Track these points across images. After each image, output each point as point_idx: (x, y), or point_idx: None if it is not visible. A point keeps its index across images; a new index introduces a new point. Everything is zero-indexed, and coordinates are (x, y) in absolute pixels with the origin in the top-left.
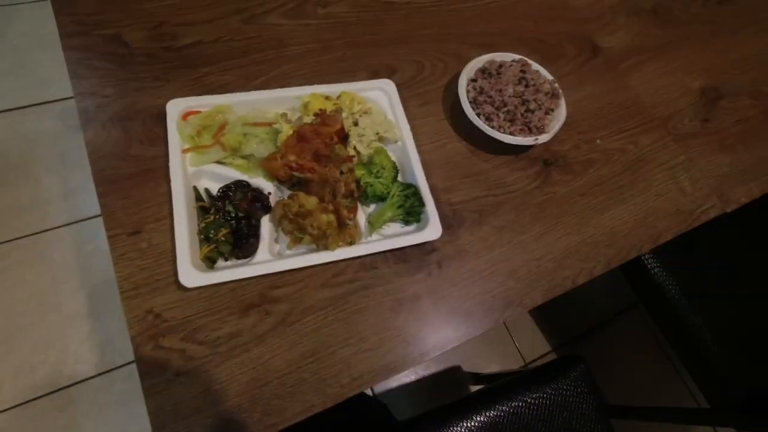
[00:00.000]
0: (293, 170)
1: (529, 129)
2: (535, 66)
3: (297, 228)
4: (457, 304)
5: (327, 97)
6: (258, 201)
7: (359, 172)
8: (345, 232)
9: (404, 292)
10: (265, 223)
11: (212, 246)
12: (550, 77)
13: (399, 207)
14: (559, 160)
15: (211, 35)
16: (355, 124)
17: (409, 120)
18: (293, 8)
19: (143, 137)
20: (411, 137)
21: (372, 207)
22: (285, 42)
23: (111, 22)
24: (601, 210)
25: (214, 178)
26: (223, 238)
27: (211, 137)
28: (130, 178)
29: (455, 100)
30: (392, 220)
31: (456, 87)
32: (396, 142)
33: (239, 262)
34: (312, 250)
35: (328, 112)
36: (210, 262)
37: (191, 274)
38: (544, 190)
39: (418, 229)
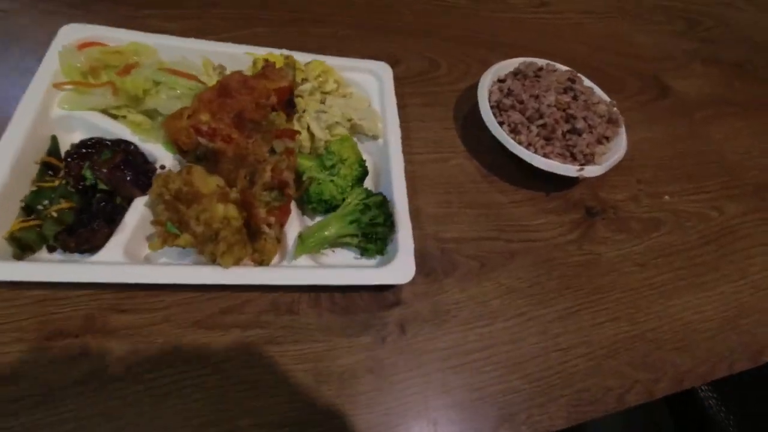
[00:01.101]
0: (201, 134)
1: (572, 155)
2: (588, 82)
3: (174, 217)
4: (419, 401)
5: (288, 62)
6: (130, 168)
7: (305, 163)
8: (256, 243)
9: (335, 361)
10: (137, 209)
11: (31, 222)
12: (606, 98)
13: (353, 222)
14: (608, 210)
15: None
16: (322, 102)
17: (403, 120)
18: None
19: (15, 67)
20: (398, 136)
21: (316, 219)
22: (269, 4)
23: None
24: (669, 293)
25: (92, 132)
26: (55, 214)
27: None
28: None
29: (473, 107)
30: (339, 241)
31: (477, 91)
32: (375, 138)
33: (70, 256)
34: (196, 263)
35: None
36: (19, 248)
37: None
38: (583, 247)
39: (379, 265)
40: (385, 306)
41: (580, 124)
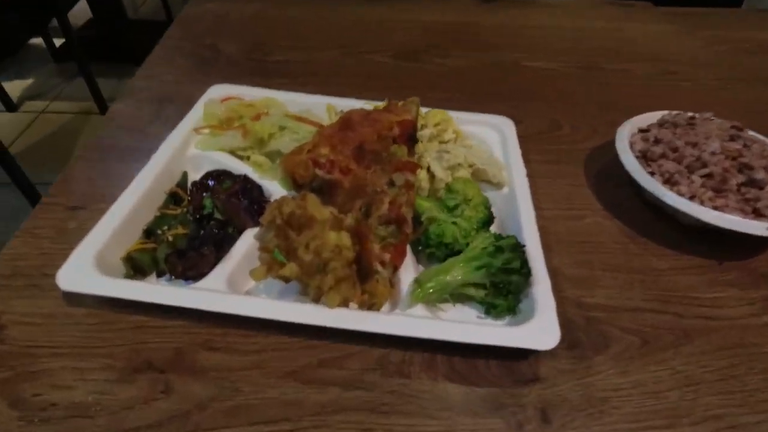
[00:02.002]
0: (318, 166)
1: (755, 211)
2: (754, 134)
3: (282, 245)
4: None
5: (413, 100)
6: (245, 196)
7: (423, 204)
8: (367, 284)
9: None
10: (247, 240)
11: (148, 245)
12: None
13: (481, 268)
14: None
15: (303, 58)
16: (440, 146)
17: (529, 176)
18: (405, 53)
19: (170, 118)
20: (526, 183)
21: (431, 266)
22: (382, 76)
23: (215, 36)
24: None
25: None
26: (170, 238)
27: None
28: (123, 151)
29: (607, 163)
30: (461, 292)
31: (611, 148)
32: (499, 188)
33: (176, 283)
34: (298, 299)
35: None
36: (132, 269)
37: (80, 273)
38: None
39: (512, 324)
40: (519, 381)
41: (760, 175)
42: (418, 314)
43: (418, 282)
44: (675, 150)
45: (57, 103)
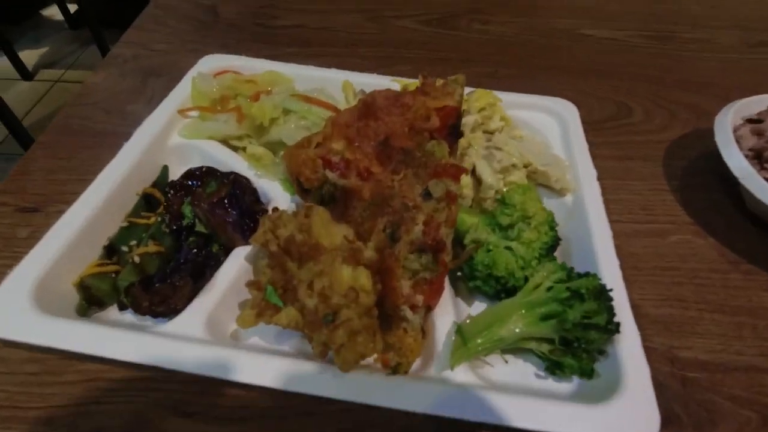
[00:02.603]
0: (329, 167)
1: None
2: None
3: (278, 278)
4: None
5: (457, 79)
6: (235, 206)
7: (467, 219)
8: (391, 334)
9: None
10: (236, 262)
11: (108, 267)
12: None
13: (548, 318)
14: None
15: (318, 23)
16: (487, 140)
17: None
18: (438, 18)
19: (156, 95)
20: (598, 192)
21: (475, 304)
22: (412, 44)
23: None
24: None
25: (207, 163)
26: (137, 259)
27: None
28: (95, 137)
29: (696, 161)
30: (518, 343)
31: (699, 140)
32: (562, 194)
33: (142, 320)
34: (300, 351)
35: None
36: (86, 300)
37: (14, 312)
38: None
39: (579, 392)
40: None
41: None
42: (458, 379)
43: (461, 334)
44: None
45: (72, 72)
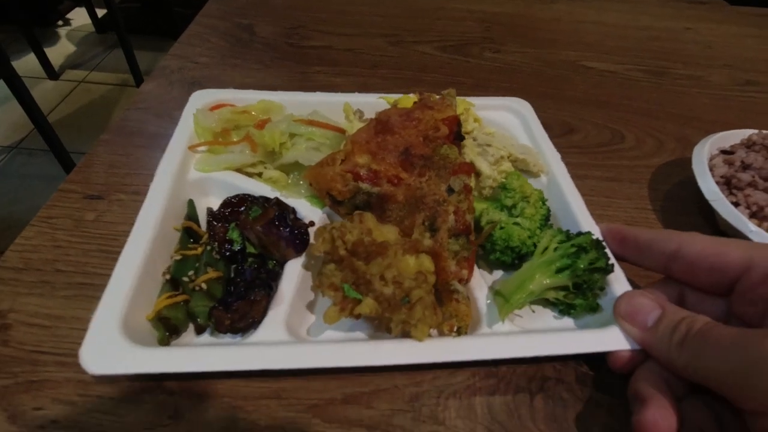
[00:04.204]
0: (360, 179)
1: None
2: None
3: (350, 277)
4: None
5: (449, 93)
6: (285, 224)
7: (478, 206)
8: (447, 306)
9: None
10: (293, 273)
11: (178, 297)
12: None
13: (562, 270)
14: None
15: (344, 45)
16: (474, 139)
17: (582, 193)
18: (454, 45)
19: (156, 135)
20: (564, 169)
21: (494, 273)
22: (429, 68)
23: (253, 16)
24: None
25: (231, 193)
26: (204, 287)
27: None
28: (149, 137)
29: (679, 185)
30: (542, 294)
31: (682, 168)
32: (538, 174)
33: (225, 338)
34: (376, 336)
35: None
36: (164, 330)
37: (108, 348)
38: None
39: (598, 324)
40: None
41: None
42: (504, 330)
43: (501, 295)
44: (767, 179)
45: (96, 74)
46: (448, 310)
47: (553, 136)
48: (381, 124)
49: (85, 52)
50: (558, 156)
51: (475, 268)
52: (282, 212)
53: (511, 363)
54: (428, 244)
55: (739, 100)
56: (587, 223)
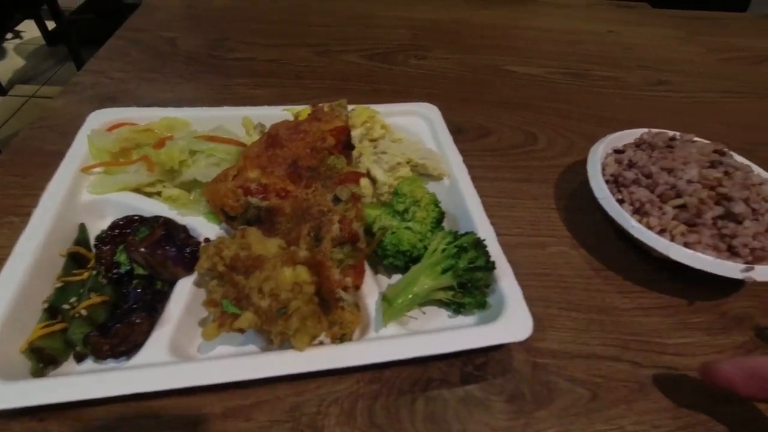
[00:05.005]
0: (250, 194)
1: (730, 249)
2: (742, 159)
3: (231, 292)
4: None
5: (340, 104)
6: (172, 244)
7: (371, 212)
8: (332, 314)
9: None
10: (183, 292)
11: (55, 326)
12: None
13: (446, 271)
14: None
15: (269, 56)
16: (375, 147)
17: (491, 195)
18: (380, 53)
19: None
20: (466, 173)
21: (393, 277)
22: (353, 77)
23: (178, 29)
24: None
25: (126, 214)
26: (84, 312)
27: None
28: (52, 157)
29: (582, 185)
30: (430, 295)
31: (585, 169)
32: (440, 178)
33: (105, 363)
34: (264, 349)
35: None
36: (38, 361)
37: None
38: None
39: (485, 320)
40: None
41: (738, 208)
42: (391, 333)
43: (387, 300)
44: (649, 176)
45: (46, 88)
46: (333, 318)
47: (467, 140)
48: (270, 139)
49: (36, 66)
50: (460, 159)
51: (373, 274)
52: (169, 231)
53: (398, 366)
54: (304, 255)
55: (652, 99)
56: (482, 225)
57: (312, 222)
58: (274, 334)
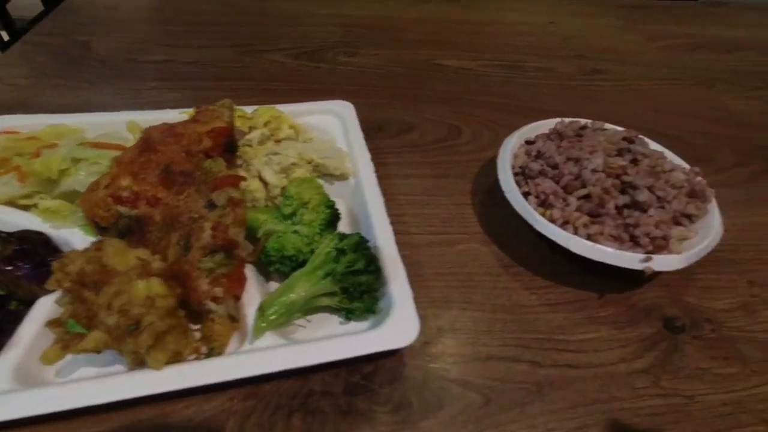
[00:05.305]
0: (120, 203)
1: (633, 239)
2: (656, 145)
3: (80, 310)
4: None
5: (225, 103)
6: (26, 260)
7: (259, 217)
8: (202, 328)
9: None
10: (41, 312)
11: None
12: (685, 165)
13: (327, 276)
14: (703, 325)
15: (191, 57)
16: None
17: (404, 192)
18: (308, 51)
19: None
20: (372, 172)
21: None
22: (277, 77)
23: (93, 32)
24: None
25: None
26: None
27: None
28: None
29: (497, 178)
30: (314, 302)
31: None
32: (344, 178)
33: None
34: (132, 368)
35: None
36: None
37: None
38: (661, 383)
39: (375, 325)
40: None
41: (642, 196)
42: (268, 344)
43: (260, 309)
44: (555, 167)
45: None
46: (203, 331)
47: (387, 137)
48: (144, 143)
49: None
50: (368, 157)
51: (264, 282)
52: (23, 247)
53: (278, 380)
54: (158, 266)
55: (584, 88)
56: (380, 225)
57: (181, 230)
58: (125, 353)
